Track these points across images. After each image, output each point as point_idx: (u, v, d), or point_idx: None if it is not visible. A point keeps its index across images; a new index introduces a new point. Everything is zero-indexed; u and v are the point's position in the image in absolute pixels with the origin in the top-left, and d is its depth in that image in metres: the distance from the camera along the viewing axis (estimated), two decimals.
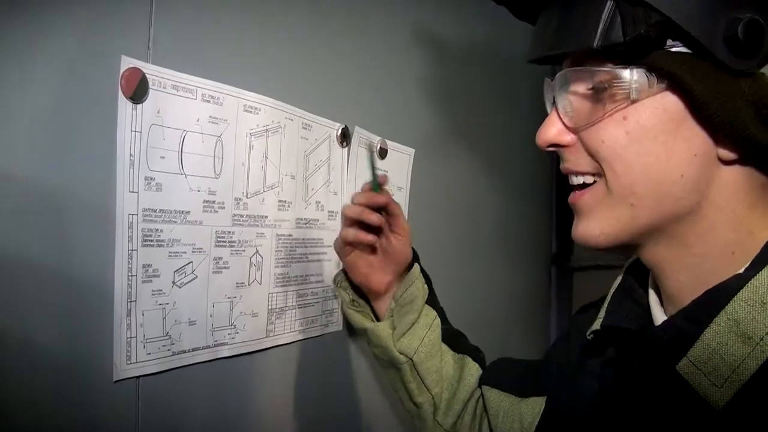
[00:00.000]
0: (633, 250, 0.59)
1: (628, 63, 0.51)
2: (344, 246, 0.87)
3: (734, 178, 0.52)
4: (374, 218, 0.84)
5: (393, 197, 0.88)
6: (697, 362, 0.50)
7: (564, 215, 1.86)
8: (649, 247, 0.56)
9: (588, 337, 0.66)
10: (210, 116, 0.79)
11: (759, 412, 0.46)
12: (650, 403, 0.55)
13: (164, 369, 0.74)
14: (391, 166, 1.18)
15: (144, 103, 0.71)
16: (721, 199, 0.52)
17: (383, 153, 1.14)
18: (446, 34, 1.33)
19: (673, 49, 0.49)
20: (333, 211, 1.04)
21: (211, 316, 0.81)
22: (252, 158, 0.86)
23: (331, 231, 1.03)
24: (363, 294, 0.92)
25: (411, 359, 0.87)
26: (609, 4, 0.48)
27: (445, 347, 0.92)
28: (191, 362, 0.78)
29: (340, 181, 1.05)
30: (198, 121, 0.77)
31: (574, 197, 0.58)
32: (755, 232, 0.52)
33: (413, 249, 0.93)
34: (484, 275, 1.56)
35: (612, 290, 0.68)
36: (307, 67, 0.98)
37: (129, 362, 0.70)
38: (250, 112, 0.85)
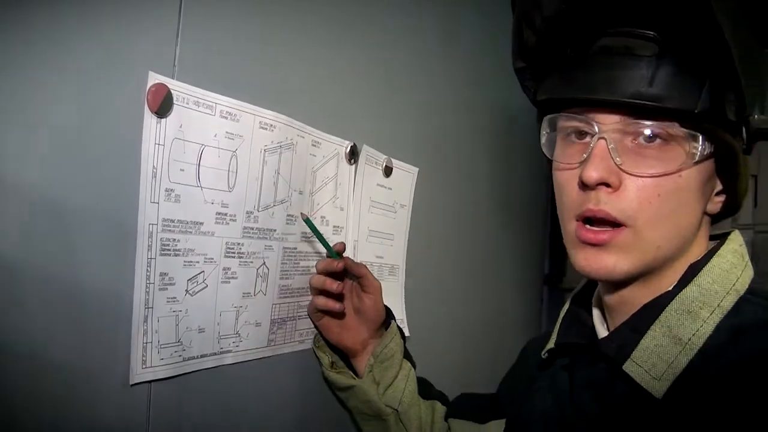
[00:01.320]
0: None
1: (700, 131, 0.60)
2: (316, 312, 0.97)
3: (705, 224, 0.68)
4: (335, 287, 0.94)
5: (360, 261, 0.99)
6: (640, 361, 0.63)
7: (557, 237, 1.93)
8: (636, 280, 0.67)
9: (543, 356, 0.80)
10: (227, 132, 0.84)
11: (690, 398, 0.59)
12: (603, 398, 0.67)
13: (175, 374, 0.79)
14: (395, 184, 1.24)
15: (168, 118, 0.76)
16: (694, 242, 0.67)
17: (388, 171, 1.21)
18: (453, 60, 1.41)
19: (725, 126, 0.60)
20: (338, 226, 1.09)
21: (218, 324, 0.86)
22: (265, 173, 0.91)
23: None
24: (338, 351, 1.00)
25: (396, 410, 0.98)
26: (706, 75, 0.57)
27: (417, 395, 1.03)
28: (199, 368, 0.83)
29: (347, 196, 1.11)
30: (215, 136, 0.83)
31: (600, 236, 0.63)
32: (688, 257, 0.67)
33: (386, 306, 1.02)
34: (478, 293, 1.63)
35: (561, 316, 0.82)
36: (321, 87, 1.04)
37: (144, 366, 0.75)
38: (266, 129, 0.90)
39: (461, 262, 1.53)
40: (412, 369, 1.04)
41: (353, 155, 1.11)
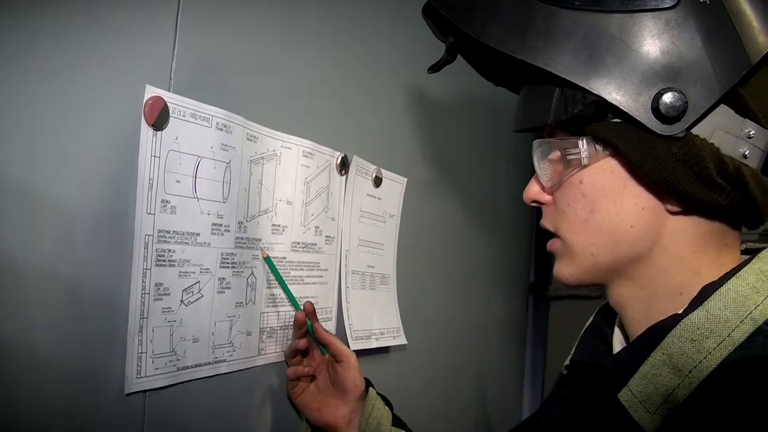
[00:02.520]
0: (602, 291, 0.70)
1: (578, 134, 0.62)
2: (293, 389, 0.99)
3: (681, 227, 0.62)
4: (300, 344, 0.98)
5: (326, 329, 1.00)
6: (635, 391, 0.59)
7: (542, 246, 1.98)
8: (613, 288, 0.68)
9: (563, 372, 0.80)
10: (222, 143, 0.87)
11: None
12: (600, 424, 0.67)
13: (169, 384, 0.82)
14: (385, 194, 1.28)
15: (164, 130, 0.79)
16: (670, 245, 0.62)
17: (378, 181, 1.25)
18: (443, 72, 1.44)
19: (612, 120, 0.59)
20: (330, 236, 1.13)
21: (212, 334, 0.89)
22: (251, 184, 0.95)
23: (328, 255, 1.12)
24: None
25: None
26: (557, 89, 0.61)
27: None
28: (193, 377, 0.86)
29: (337, 207, 1.15)
30: (211, 147, 0.86)
31: (548, 244, 0.71)
32: (701, 275, 0.61)
33: (366, 378, 1.01)
34: (465, 301, 1.67)
35: (583, 330, 0.81)
36: (312, 100, 1.08)
37: (139, 376, 0.78)
38: (251, 140, 0.94)
39: (448, 271, 1.57)
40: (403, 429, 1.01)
41: (344, 166, 1.14)
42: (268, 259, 0.98)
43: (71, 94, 0.71)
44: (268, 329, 1.00)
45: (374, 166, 1.24)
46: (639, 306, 0.65)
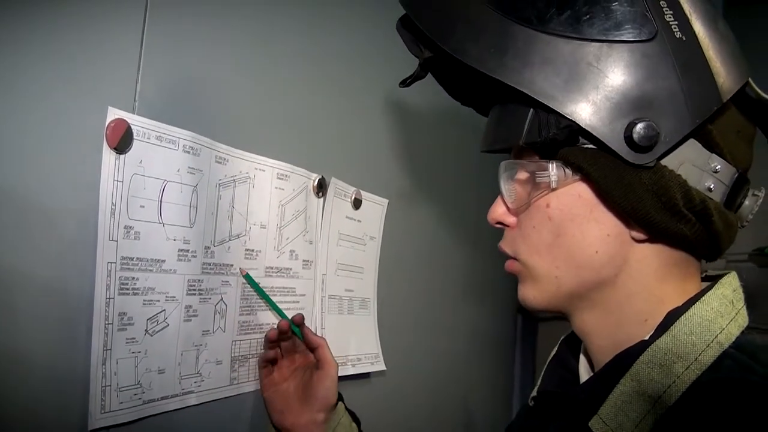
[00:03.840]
0: (567, 319, 0.71)
1: (549, 157, 0.63)
2: (264, 378, 0.99)
3: (646, 255, 0.63)
4: (270, 354, 0.98)
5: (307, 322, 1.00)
6: (606, 419, 0.60)
7: None
8: (578, 315, 0.68)
9: (530, 404, 0.80)
10: (189, 167, 0.87)
11: None
12: None
13: (135, 419, 0.80)
14: (365, 216, 1.27)
15: (127, 153, 0.78)
16: (635, 272, 0.64)
17: (357, 203, 1.24)
18: (423, 91, 1.44)
19: (584, 146, 0.60)
20: (308, 260, 1.12)
21: (179, 364, 0.88)
22: (219, 208, 0.94)
23: (305, 280, 1.11)
24: None
25: None
26: (531, 110, 0.61)
27: None
28: (160, 411, 0.84)
29: (315, 230, 1.14)
30: (178, 171, 0.85)
31: (508, 266, 0.71)
32: (665, 302, 0.63)
33: (339, 393, 0.99)
34: (452, 323, 1.67)
35: (547, 362, 0.82)
36: (286, 120, 1.08)
37: (103, 411, 0.76)
38: (220, 162, 0.93)
39: (433, 293, 1.57)
40: None
41: (321, 188, 1.14)
42: (247, 276, 0.97)
43: (28, 115, 0.70)
44: (240, 357, 0.99)
45: (353, 188, 1.23)
46: (604, 333, 0.66)
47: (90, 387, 0.75)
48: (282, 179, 1.05)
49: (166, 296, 0.85)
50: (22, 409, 0.70)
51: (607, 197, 0.61)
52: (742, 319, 0.62)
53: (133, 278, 0.80)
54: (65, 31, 0.73)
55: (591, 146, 0.60)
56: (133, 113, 0.80)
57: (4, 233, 0.68)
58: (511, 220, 0.70)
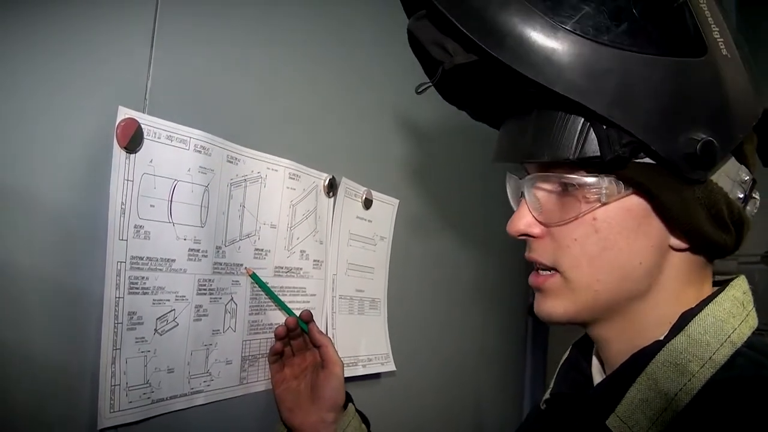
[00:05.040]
0: (584, 326, 0.70)
1: (599, 172, 0.61)
2: (274, 374, 0.98)
3: (679, 262, 0.64)
4: (277, 346, 0.96)
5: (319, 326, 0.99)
6: (623, 417, 0.61)
7: None
8: (600, 324, 0.68)
9: (542, 407, 0.79)
10: (200, 166, 0.86)
11: None
12: None
13: (144, 418, 0.80)
14: (375, 216, 1.27)
15: (138, 153, 0.78)
16: (667, 280, 0.65)
17: (368, 203, 1.24)
18: (433, 93, 1.44)
19: (640, 161, 0.59)
20: (318, 260, 1.12)
21: (188, 363, 0.87)
22: (231, 207, 0.93)
23: (316, 280, 1.11)
24: None
25: None
26: (582, 123, 0.59)
27: None
28: (169, 410, 0.84)
29: (325, 230, 1.13)
30: (189, 170, 0.85)
31: (537, 280, 0.69)
32: (684, 305, 0.64)
33: (349, 394, 0.99)
34: (462, 324, 1.66)
35: (559, 365, 0.82)
36: (298, 120, 1.07)
37: (112, 410, 0.76)
38: (232, 162, 0.93)
39: (443, 294, 1.56)
40: None
41: (332, 188, 1.13)
42: (254, 275, 0.97)
43: (39, 115, 0.70)
44: (250, 357, 0.99)
45: (364, 188, 1.23)
46: (625, 338, 0.67)
47: (99, 386, 0.75)
48: (293, 179, 1.04)
49: (176, 296, 0.85)
50: (31, 407, 0.70)
51: (664, 212, 0.61)
52: (753, 321, 0.64)
53: (143, 278, 0.80)
54: (75, 30, 0.73)
55: (647, 161, 0.59)
56: (144, 112, 0.80)
57: (15, 232, 0.68)
58: (538, 231, 0.67)
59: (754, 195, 0.66)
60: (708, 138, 0.56)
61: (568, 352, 0.82)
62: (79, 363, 0.74)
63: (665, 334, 0.63)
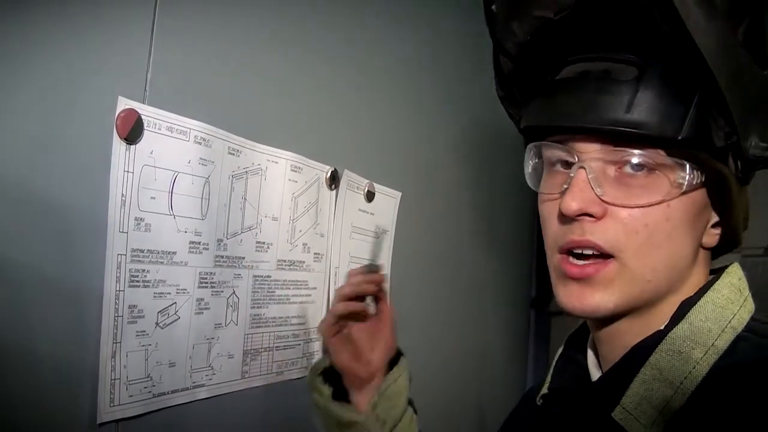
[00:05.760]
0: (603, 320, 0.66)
1: (687, 159, 0.59)
2: (331, 326, 0.90)
3: (703, 259, 0.66)
4: (371, 288, 0.90)
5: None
6: (629, 408, 0.60)
7: (543, 260, 1.96)
8: (623, 318, 0.64)
9: (538, 403, 0.77)
10: (200, 158, 0.85)
11: None
12: None
13: (144, 412, 0.79)
14: (377, 209, 1.26)
15: (138, 144, 0.77)
16: (692, 275, 0.65)
17: (370, 196, 1.23)
18: (436, 83, 1.43)
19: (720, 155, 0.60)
20: (319, 254, 1.10)
21: (190, 357, 0.86)
22: (232, 200, 0.92)
23: (317, 273, 1.10)
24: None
25: None
26: (696, 101, 0.57)
27: None
28: (170, 404, 0.83)
29: (327, 223, 1.12)
30: (189, 162, 0.83)
31: (586, 270, 0.62)
32: (684, 295, 0.64)
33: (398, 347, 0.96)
34: (464, 316, 1.65)
35: (555, 360, 0.79)
36: (300, 112, 1.06)
37: (112, 404, 0.75)
38: (233, 154, 0.92)
39: (446, 286, 1.55)
40: (415, 415, 0.98)
41: (334, 180, 1.12)
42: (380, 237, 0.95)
43: (38, 105, 0.69)
44: (252, 351, 0.98)
45: (366, 180, 1.21)
46: (633, 332, 0.64)
47: (99, 380, 0.74)
48: (295, 171, 1.03)
49: (177, 289, 0.83)
50: (30, 402, 0.69)
51: (725, 209, 0.63)
52: (750, 305, 0.64)
53: (144, 270, 0.79)
54: (74, 19, 0.72)
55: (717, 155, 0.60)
56: (144, 103, 0.78)
57: (13, 224, 0.67)
58: (600, 210, 0.60)
59: None
60: (759, 143, 0.59)
61: (562, 347, 0.79)
62: (79, 357, 0.73)
63: (666, 324, 0.63)
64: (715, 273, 0.67)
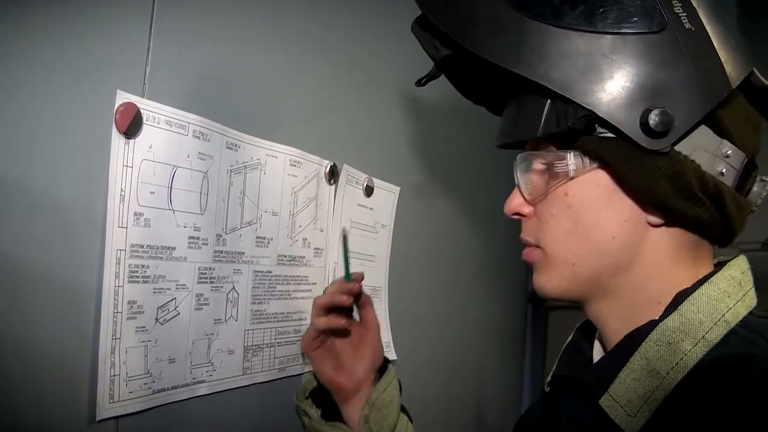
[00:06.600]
0: (581, 307, 0.72)
1: (567, 147, 0.64)
2: (313, 339, 0.91)
3: (661, 239, 0.65)
4: (344, 299, 0.89)
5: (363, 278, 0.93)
6: (616, 396, 0.62)
7: None
8: (592, 305, 0.69)
9: (546, 390, 0.81)
10: (199, 152, 0.84)
11: None
12: None
13: (144, 408, 0.78)
14: (376, 204, 1.25)
15: (137, 138, 0.76)
16: (650, 256, 0.65)
17: (369, 191, 1.22)
18: (435, 81, 1.42)
19: (601, 135, 0.61)
20: (319, 248, 1.09)
21: (190, 353, 0.85)
22: (231, 194, 0.91)
23: (317, 268, 1.09)
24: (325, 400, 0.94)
25: None
26: (548, 102, 0.62)
27: None
28: (170, 400, 0.82)
29: (326, 218, 1.11)
30: (188, 156, 0.82)
31: (524, 253, 0.72)
32: (678, 285, 0.64)
33: (385, 357, 0.97)
34: (463, 312, 1.64)
35: (564, 347, 0.82)
36: (299, 106, 1.05)
37: (112, 401, 0.74)
38: (231, 148, 0.90)
39: (443, 282, 1.54)
40: (410, 423, 0.98)
41: (333, 175, 1.11)
42: (345, 237, 0.96)
43: (37, 99, 0.68)
44: (253, 347, 0.97)
45: (365, 175, 1.21)
46: (619, 318, 0.68)
47: (98, 376, 0.73)
48: (294, 166, 1.02)
49: (177, 284, 0.83)
50: (29, 398, 0.68)
51: (625, 183, 0.63)
52: (750, 300, 0.64)
53: (143, 266, 0.78)
54: (72, 13, 0.70)
55: (608, 135, 0.61)
56: (143, 97, 0.77)
57: (12, 220, 0.66)
58: (528, 210, 0.71)
59: (762, 177, 0.67)
60: (662, 108, 0.58)
61: (571, 336, 0.83)
62: (78, 353, 0.72)
63: (660, 314, 0.64)
64: (721, 265, 0.67)
